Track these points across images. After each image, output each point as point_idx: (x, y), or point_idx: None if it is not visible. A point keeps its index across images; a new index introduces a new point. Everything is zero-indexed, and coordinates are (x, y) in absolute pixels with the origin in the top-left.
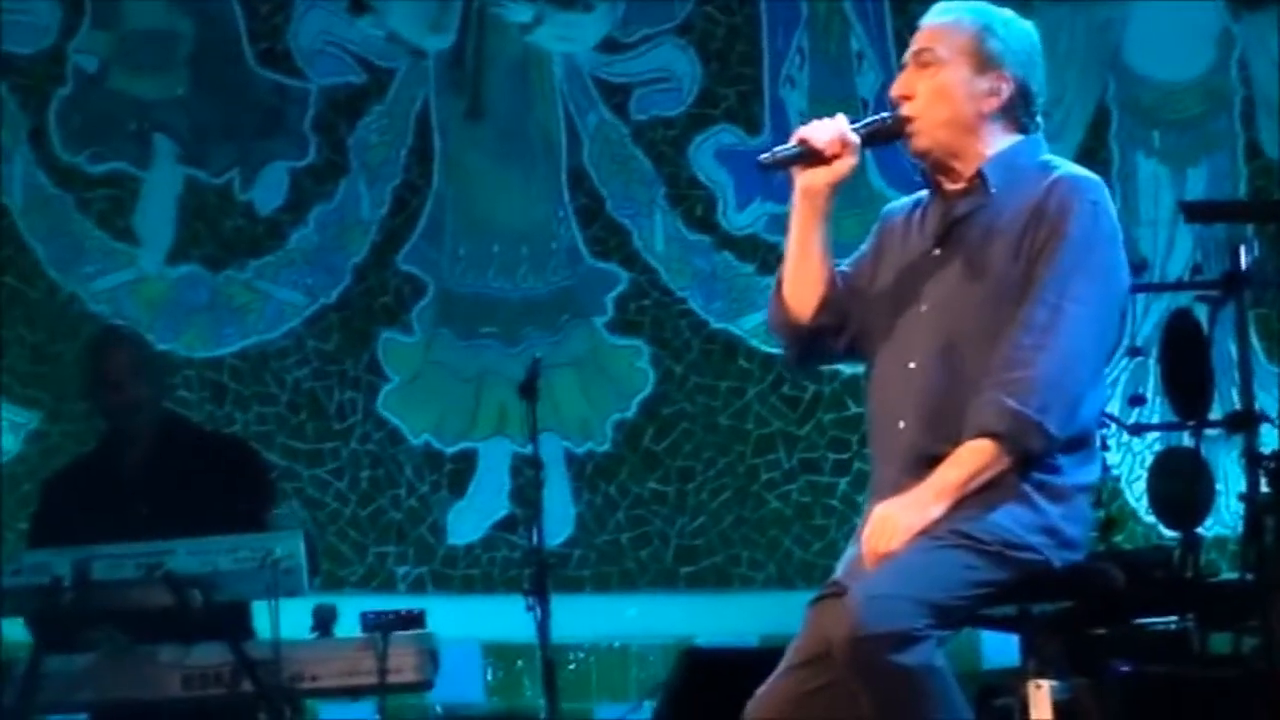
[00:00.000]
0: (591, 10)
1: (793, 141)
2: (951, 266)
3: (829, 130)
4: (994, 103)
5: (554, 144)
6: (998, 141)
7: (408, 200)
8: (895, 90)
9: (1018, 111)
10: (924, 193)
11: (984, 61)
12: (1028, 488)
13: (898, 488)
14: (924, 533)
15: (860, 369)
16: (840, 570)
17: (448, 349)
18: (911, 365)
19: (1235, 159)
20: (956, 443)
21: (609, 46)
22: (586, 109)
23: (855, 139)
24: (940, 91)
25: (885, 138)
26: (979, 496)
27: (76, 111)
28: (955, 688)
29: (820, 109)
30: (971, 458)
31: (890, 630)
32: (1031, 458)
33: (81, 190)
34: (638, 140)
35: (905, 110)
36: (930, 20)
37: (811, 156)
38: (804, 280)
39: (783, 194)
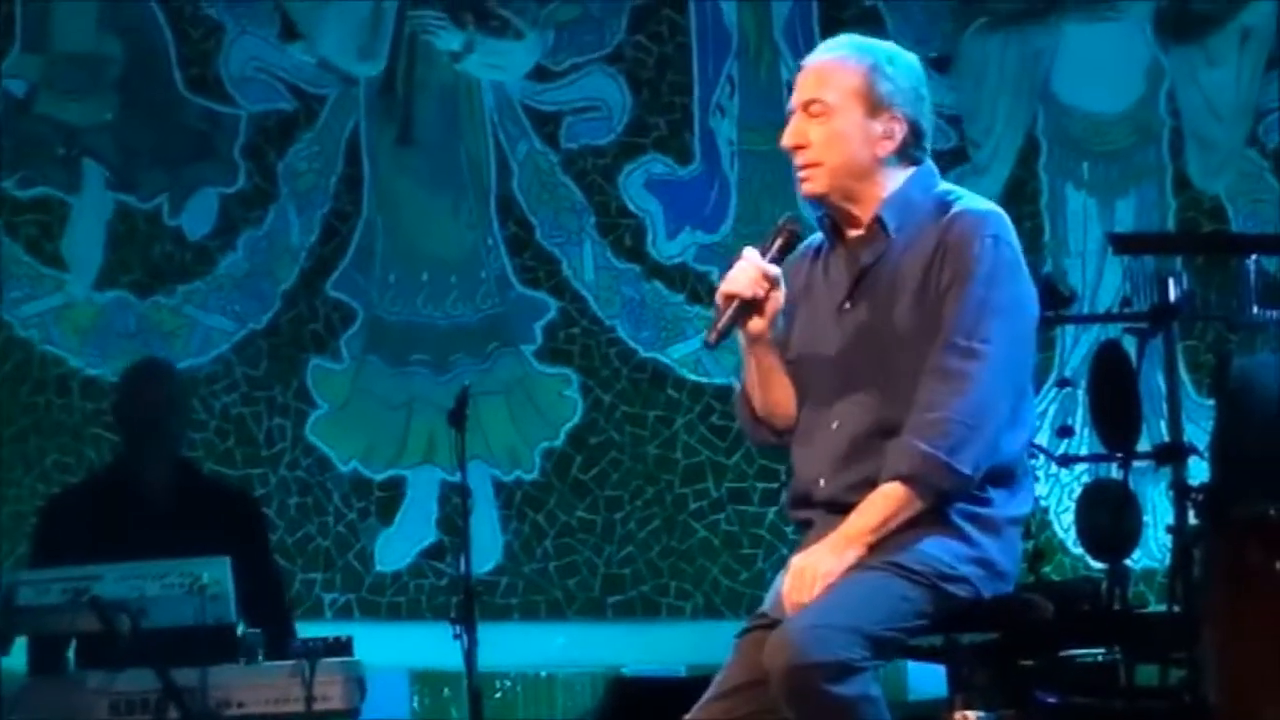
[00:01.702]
0: (522, 39)
1: (719, 303)
2: (863, 320)
3: (747, 275)
4: (890, 145)
5: (484, 172)
6: (892, 182)
7: (337, 227)
8: (786, 140)
9: (911, 149)
10: (818, 237)
11: (875, 104)
12: (959, 520)
13: (819, 529)
14: (858, 565)
15: None
16: (768, 603)
17: (376, 376)
18: (834, 425)
19: (1164, 191)
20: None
21: (539, 75)
22: (516, 137)
23: (775, 269)
24: (835, 138)
25: (796, 243)
26: (912, 529)
27: (5, 135)
28: (889, 719)
29: (750, 137)
30: (883, 502)
31: (828, 660)
32: (948, 496)
33: (10, 215)
34: (567, 169)
35: (799, 159)
36: (814, 62)
37: (746, 308)
38: (776, 398)
39: (712, 224)
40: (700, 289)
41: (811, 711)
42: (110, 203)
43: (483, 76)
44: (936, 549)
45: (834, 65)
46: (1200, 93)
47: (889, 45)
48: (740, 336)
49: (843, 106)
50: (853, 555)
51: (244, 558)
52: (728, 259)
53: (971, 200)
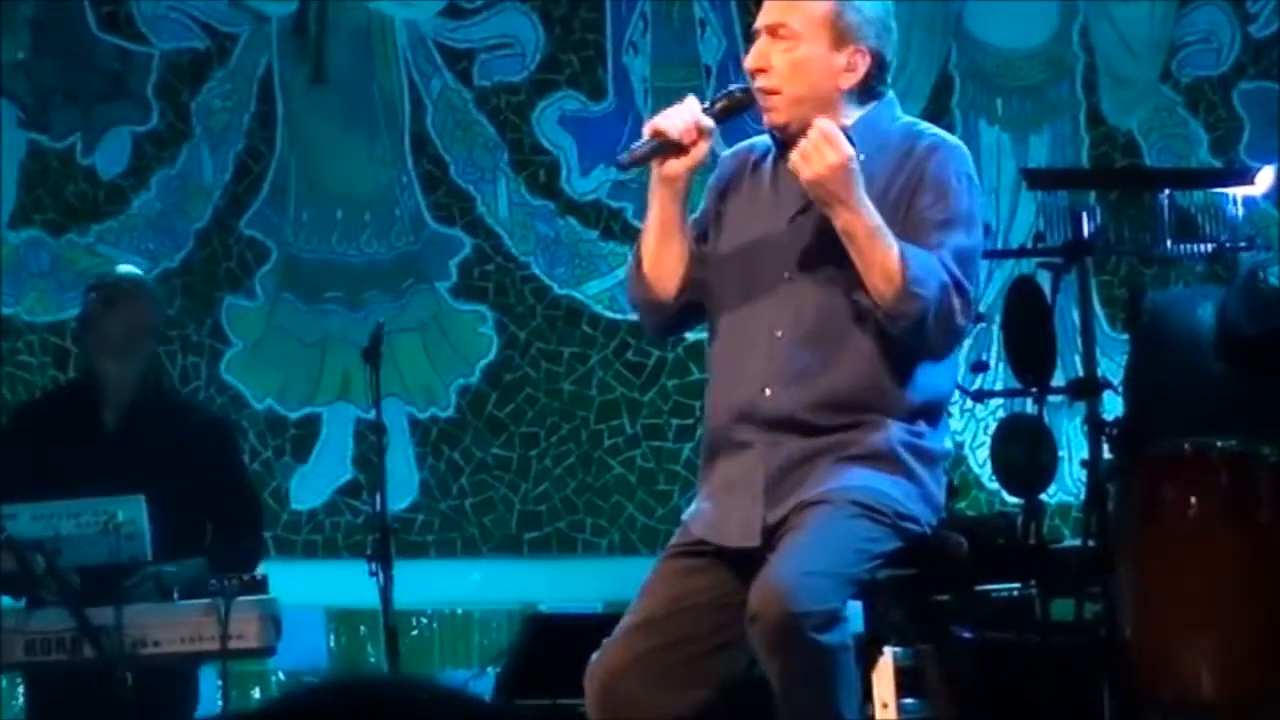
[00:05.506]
0: None
1: (646, 135)
2: (818, 233)
3: (682, 118)
4: (852, 79)
5: (397, 110)
6: (854, 112)
7: (251, 165)
8: (750, 62)
9: (873, 82)
10: (759, 141)
11: (840, 36)
12: (904, 454)
13: (760, 451)
14: (825, 502)
15: (703, 335)
16: (698, 526)
17: (291, 314)
18: (778, 333)
19: (1077, 126)
20: (827, 409)
21: (452, 12)
22: (430, 74)
23: (709, 122)
24: (797, 67)
25: (737, 112)
26: (869, 467)
27: None
28: (854, 667)
29: (663, 74)
30: (886, 243)
31: (820, 609)
32: (925, 323)
33: None
34: (481, 106)
35: (761, 83)
36: None
37: (669, 147)
38: (667, 261)
39: None
40: (614, 225)
41: (796, 659)
42: (23, 142)
43: (395, 14)
44: (892, 489)
45: None
46: (1114, 28)
47: None
48: (653, 173)
49: (808, 35)
50: (843, 208)
51: (203, 483)
52: (642, 195)
53: (943, 132)
